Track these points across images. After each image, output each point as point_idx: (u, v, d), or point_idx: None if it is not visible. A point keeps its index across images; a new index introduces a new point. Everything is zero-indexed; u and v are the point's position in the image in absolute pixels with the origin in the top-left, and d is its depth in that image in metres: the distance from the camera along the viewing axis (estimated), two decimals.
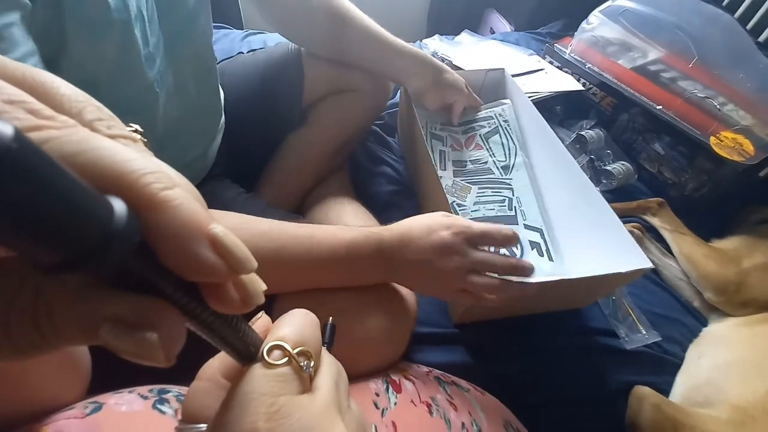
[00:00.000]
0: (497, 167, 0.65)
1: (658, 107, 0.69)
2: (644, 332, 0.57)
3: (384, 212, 0.62)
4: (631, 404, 0.51)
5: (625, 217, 0.70)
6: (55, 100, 0.11)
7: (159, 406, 0.30)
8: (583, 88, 0.78)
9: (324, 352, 0.20)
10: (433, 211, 0.44)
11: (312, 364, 0.18)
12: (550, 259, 0.57)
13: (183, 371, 0.23)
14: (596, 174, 0.73)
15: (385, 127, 0.76)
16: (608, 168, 0.73)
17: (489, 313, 0.51)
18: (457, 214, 0.62)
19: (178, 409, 0.30)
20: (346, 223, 0.53)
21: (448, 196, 0.63)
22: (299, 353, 0.17)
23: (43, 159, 0.09)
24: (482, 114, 0.69)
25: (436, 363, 0.47)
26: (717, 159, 0.64)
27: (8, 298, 0.11)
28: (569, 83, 0.79)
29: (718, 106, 0.67)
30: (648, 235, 0.68)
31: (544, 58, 0.85)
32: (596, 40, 0.79)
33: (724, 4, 1.12)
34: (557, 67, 0.83)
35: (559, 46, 0.83)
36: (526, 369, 0.50)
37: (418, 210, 0.64)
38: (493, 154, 0.66)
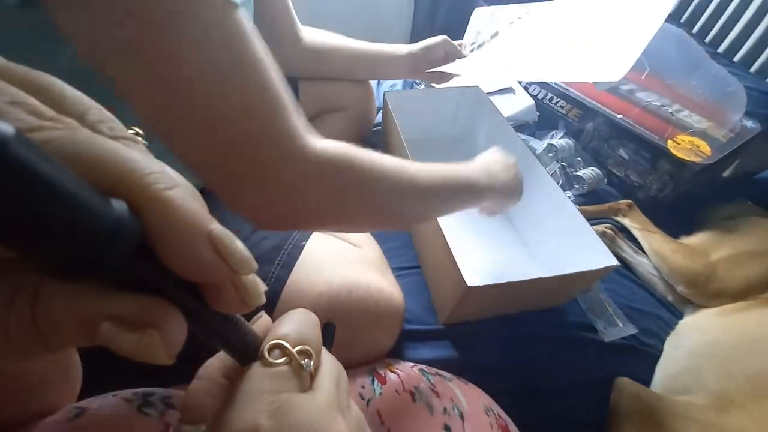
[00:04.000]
0: None
1: (618, 116, 0.74)
2: (621, 325, 0.59)
3: None
4: (612, 395, 0.52)
5: (597, 218, 0.74)
6: (58, 102, 0.11)
7: (143, 409, 0.29)
8: (531, 102, 0.84)
9: (324, 351, 0.20)
10: (419, 226, 0.49)
11: (312, 362, 0.18)
12: None
13: (168, 374, 0.24)
14: (568, 180, 0.77)
15: (370, 146, 0.80)
16: (579, 174, 0.77)
17: (474, 313, 0.53)
18: None
19: (163, 412, 0.30)
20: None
21: None
22: (299, 352, 0.17)
23: (44, 160, 0.09)
24: None
25: (424, 359, 0.48)
26: (676, 161, 0.69)
27: (8, 298, 0.11)
28: (523, 102, 0.85)
29: (672, 113, 0.72)
30: (620, 235, 0.71)
31: None
32: None
33: (682, 20, 1.22)
34: (525, 85, 0.89)
35: None
36: (510, 362, 0.52)
37: None
38: None
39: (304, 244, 0.44)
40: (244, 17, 0.26)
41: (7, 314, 0.10)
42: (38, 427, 0.26)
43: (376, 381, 0.39)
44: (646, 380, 0.55)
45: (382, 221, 0.39)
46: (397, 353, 0.49)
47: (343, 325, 0.39)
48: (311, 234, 0.47)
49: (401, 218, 0.40)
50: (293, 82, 0.65)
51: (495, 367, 0.51)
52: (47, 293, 0.11)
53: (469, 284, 0.43)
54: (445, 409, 0.36)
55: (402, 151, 0.60)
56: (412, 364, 0.44)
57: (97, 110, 0.12)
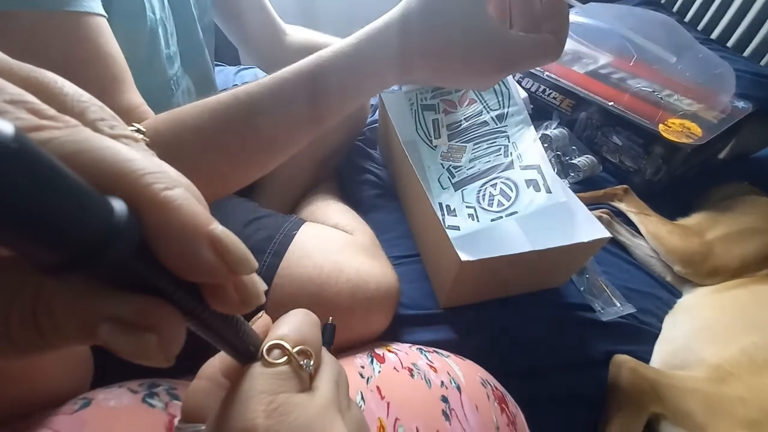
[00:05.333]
0: (492, 119, 0.64)
1: (609, 104, 0.76)
2: (619, 305, 0.60)
3: (368, 213, 0.67)
4: (610, 371, 0.53)
5: (594, 204, 0.75)
6: (59, 100, 0.11)
7: (148, 400, 0.30)
8: (525, 95, 0.85)
9: (324, 351, 0.20)
10: (414, 207, 0.48)
11: (312, 363, 0.18)
12: (548, 191, 0.55)
13: (174, 365, 0.26)
14: (564, 168, 0.79)
15: (367, 141, 0.83)
16: (574, 162, 0.78)
17: (472, 293, 0.55)
18: (457, 194, 0.63)
19: (168, 403, 0.30)
20: (331, 217, 0.57)
21: (443, 161, 0.65)
22: (299, 352, 0.17)
23: (43, 159, 0.09)
24: None
25: (423, 341, 0.50)
26: (668, 144, 0.70)
27: (8, 298, 0.11)
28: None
29: (661, 97, 0.74)
30: (617, 219, 0.72)
31: None
32: None
33: (675, 9, 1.23)
34: (518, 79, 0.91)
35: None
36: (509, 342, 0.54)
37: (399, 210, 0.69)
38: (487, 105, 0.65)
39: (295, 233, 0.46)
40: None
41: (7, 313, 0.11)
42: (45, 418, 0.27)
43: (375, 361, 0.41)
44: (645, 358, 0.56)
45: (254, 159, 0.35)
46: (395, 337, 0.50)
47: (334, 307, 0.42)
48: (302, 224, 0.49)
49: (274, 145, 0.35)
50: None
51: (493, 348, 0.52)
52: (47, 293, 0.11)
53: (463, 259, 0.45)
54: (442, 383, 0.38)
55: (400, 152, 0.61)
56: (410, 344, 0.46)
57: (97, 108, 0.12)
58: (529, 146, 0.59)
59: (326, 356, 0.20)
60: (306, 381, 0.17)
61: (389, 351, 0.43)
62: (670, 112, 0.72)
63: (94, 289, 0.11)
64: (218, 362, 0.19)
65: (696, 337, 0.56)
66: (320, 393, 0.17)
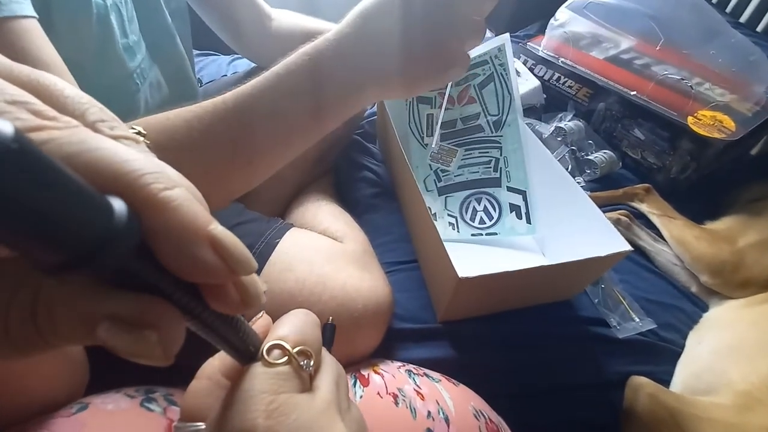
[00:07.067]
0: (489, 125, 0.62)
1: (632, 93, 0.69)
2: (637, 320, 0.54)
3: (364, 214, 0.62)
4: (627, 395, 0.48)
5: (612, 205, 0.68)
6: (59, 102, 0.11)
7: (147, 404, 0.30)
8: (538, 83, 0.78)
9: (324, 352, 0.20)
10: (412, 214, 0.44)
11: (312, 363, 0.18)
12: (528, 221, 0.58)
13: (170, 372, 0.24)
14: (579, 165, 0.73)
15: (365, 135, 0.77)
16: (590, 158, 0.72)
17: (474, 308, 0.50)
18: (440, 200, 0.62)
19: (166, 408, 0.30)
20: (320, 222, 0.53)
21: (431, 162, 0.64)
22: (299, 352, 0.17)
23: (43, 159, 0.09)
24: (477, 59, 0.62)
25: (417, 359, 0.46)
26: (698, 139, 0.63)
27: (7, 297, 0.11)
28: (529, 84, 0.80)
29: (692, 86, 0.66)
30: (637, 222, 0.66)
31: (518, 58, 0.86)
32: (567, 36, 0.80)
33: None
34: (531, 66, 0.84)
35: (531, 44, 0.85)
36: (514, 360, 0.49)
37: (398, 211, 0.64)
38: (486, 107, 0.62)
39: (278, 242, 0.42)
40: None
41: (7, 312, 0.11)
42: (43, 421, 0.27)
43: (358, 383, 0.37)
44: (666, 380, 0.51)
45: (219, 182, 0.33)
46: (388, 353, 0.46)
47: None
48: (287, 231, 0.45)
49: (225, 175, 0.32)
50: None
51: (494, 367, 0.48)
52: (47, 292, 0.11)
53: (461, 276, 0.40)
54: (429, 413, 0.34)
55: (398, 149, 0.57)
56: (399, 364, 0.41)
57: (98, 110, 0.12)
58: (519, 166, 0.60)
59: (326, 357, 0.20)
60: (306, 381, 0.17)
61: (375, 372, 0.39)
62: (701, 103, 0.65)
63: (93, 288, 0.11)
64: (218, 362, 0.19)
65: (723, 356, 0.51)
66: (320, 393, 0.17)
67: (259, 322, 0.19)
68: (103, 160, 0.10)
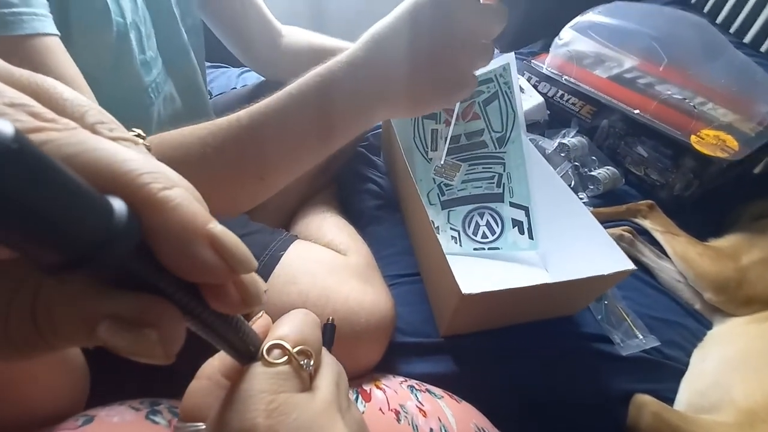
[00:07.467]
0: (492, 141, 0.63)
1: (635, 111, 0.69)
2: (641, 337, 0.54)
3: (368, 226, 0.63)
4: (630, 413, 0.48)
5: (615, 221, 0.69)
6: (58, 105, 0.11)
7: (152, 417, 0.30)
8: (541, 100, 0.80)
9: (324, 352, 0.20)
10: (416, 228, 0.44)
11: (312, 363, 0.18)
12: (531, 237, 0.59)
13: (173, 384, 0.24)
14: (582, 180, 0.73)
15: (370, 148, 0.78)
16: (594, 174, 0.72)
17: (476, 323, 0.50)
18: (443, 213, 0.62)
19: (171, 420, 0.30)
20: (324, 234, 0.54)
21: (435, 176, 0.65)
22: (299, 352, 0.17)
23: (42, 159, 0.09)
24: (482, 77, 0.63)
25: (419, 374, 0.46)
26: (701, 157, 0.64)
27: (7, 297, 0.11)
28: (533, 100, 0.81)
29: (694, 106, 0.67)
30: (640, 238, 0.66)
31: (522, 75, 0.88)
32: (571, 55, 0.81)
33: (706, 10, 1.15)
34: (535, 83, 0.85)
35: (536, 62, 0.86)
36: (516, 377, 0.49)
37: (402, 224, 0.65)
38: (490, 124, 0.64)
39: (282, 254, 0.42)
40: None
41: (7, 313, 0.11)
42: None
43: (360, 398, 0.37)
44: (670, 398, 0.51)
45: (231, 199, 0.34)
46: (389, 368, 0.46)
47: None
48: (291, 243, 0.45)
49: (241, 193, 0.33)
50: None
51: (497, 382, 0.48)
52: (47, 292, 0.11)
53: (464, 292, 0.40)
54: (431, 430, 0.34)
55: (402, 162, 0.58)
56: (402, 379, 0.41)
57: (96, 112, 0.12)
58: (522, 182, 0.61)
59: (326, 357, 0.20)
60: (306, 381, 0.17)
61: (377, 387, 0.39)
62: (704, 123, 0.66)
63: (93, 288, 0.11)
64: (218, 362, 0.19)
65: (727, 374, 0.50)
66: (321, 393, 0.17)
67: (259, 322, 0.19)
68: (102, 161, 0.10)
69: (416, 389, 0.38)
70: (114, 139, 0.12)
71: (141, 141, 0.13)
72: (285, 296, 0.39)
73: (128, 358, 0.11)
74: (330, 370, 0.19)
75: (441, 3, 0.31)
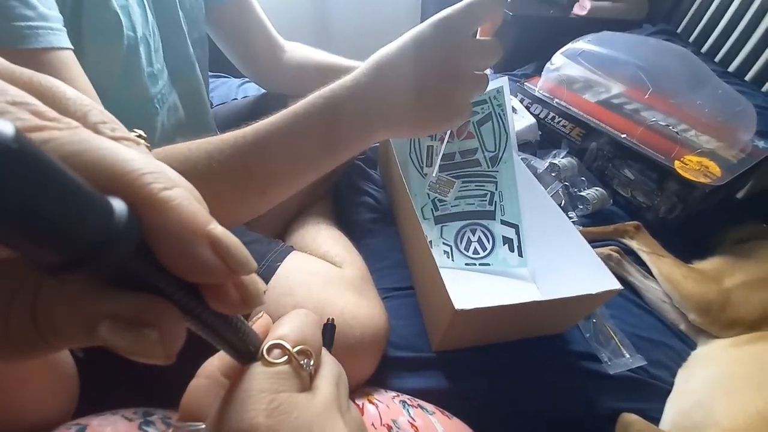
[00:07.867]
0: (485, 160, 0.65)
1: (622, 136, 0.72)
2: (628, 356, 0.55)
3: (363, 239, 0.63)
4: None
5: (602, 240, 0.70)
6: (61, 104, 0.11)
7: (145, 428, 0.29)
8: (533, 120, 0.83)
9: (324, 352, 0.20)
10: (410, 242, 0.45)
11: (312, 362, 0.18)
12: (520, 255, 0.61)
13: (167, 394, 0.24)
14: (572, 200, 0.75)
15: (367, 161, 0.79)
16: (583, 194, 0.74)
17: (468, 339, 0.51)
18: (437, 228, 0.63)
19: (164, 431, 0.30)
20: (320, 246, 0.54)
21: (429, 192, 0.66)
22: (299, 352, 0.17)
23: (43, 159, 0.09)
24: (476, 98, 0.65)
25: (410, 389, 0.46)
26: (685, 182, 0.66)
27: (7, 298, 0.11)
28: (525, 121, 0.83)
29: (678, 132, 0.70)
30: (627, 258, 0.68)
31: (516, 96, 0.90)
32: (562, 79, 0.84)
33: (691, 40, 1.20)
34: (527, 105, 0.88)
35: (529, 85, 0.89)
36: (506, 393, 0.49)
37: (396, 237, 0.65)
38: (483, 143, 0.66)
39: (278, 266, 0.43)
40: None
41: (7, 313, 0.11)
42: None
43: None
44: (656, 418, 0.51)
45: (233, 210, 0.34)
46: (381, 382, 0.46)
47: None
48: (288, 254, 0.45)
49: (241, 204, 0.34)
50: (282, 99, 0.65)
51: (487, 399, 0.48)
52: (47, 292, 0.11)
53: (457, 308, 0.41)
54: None
55: (398, 176, 0.59)
56: (394, 394, 0.41)
57: (98, 112, 0.12)
58: (513, 201, 0.64)
59: (326, 357, 0.20)
60: (306, 381, 0.17)
61: (370, 402, 0.39)
62: (687, 149, 0.68)
63: (93, 288, 0.11)
64: (218, 361, 0.19)
65: (710, 395, 0.51)
66: (321, 393, 0.17)
67: (259, 322, 0.19)
68: (103, 160, 0.10)
69: (408, 404, 0.39)
70: (116, 138, 0.12)
71: (142, 142, 0.13)
72: (281, 308, 0.39)
73: (127, 360, 0.11)
74: (330, 370, 0.19)
75: (442, 36, 0.33)
